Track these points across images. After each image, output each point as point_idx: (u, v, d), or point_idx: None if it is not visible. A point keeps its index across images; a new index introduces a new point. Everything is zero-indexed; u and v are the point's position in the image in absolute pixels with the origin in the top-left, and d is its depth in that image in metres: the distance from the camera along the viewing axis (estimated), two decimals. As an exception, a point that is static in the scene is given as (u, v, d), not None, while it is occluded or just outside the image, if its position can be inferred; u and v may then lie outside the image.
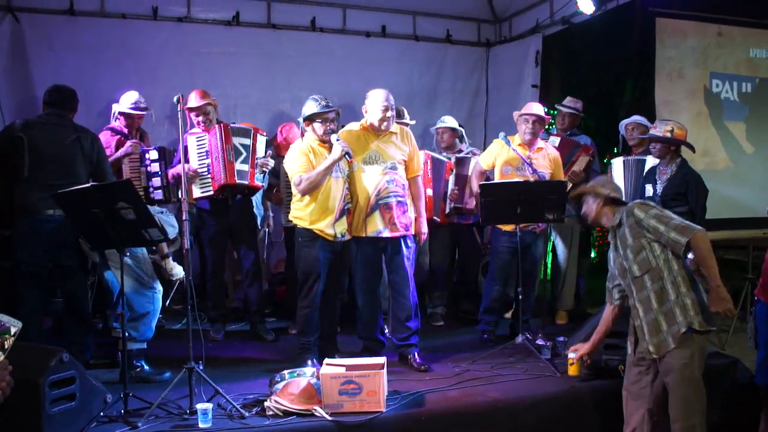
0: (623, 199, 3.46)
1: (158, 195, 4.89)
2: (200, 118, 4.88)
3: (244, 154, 4.82)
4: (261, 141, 4.96)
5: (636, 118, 5.55)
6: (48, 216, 4.00)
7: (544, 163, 4.84)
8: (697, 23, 6.35)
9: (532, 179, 4.67)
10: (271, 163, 5.00)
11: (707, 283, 3.10)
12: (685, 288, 3.13)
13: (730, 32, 6.46)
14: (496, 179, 4.81)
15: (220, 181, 4.75)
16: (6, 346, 1.90)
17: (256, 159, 4.88)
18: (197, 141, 4.85)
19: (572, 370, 3.92)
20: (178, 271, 4.25)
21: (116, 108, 5.15)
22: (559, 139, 5.38)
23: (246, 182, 4.82)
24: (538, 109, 4.86)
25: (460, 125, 5.85)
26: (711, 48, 6.39)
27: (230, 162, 4.74)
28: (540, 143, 4.91)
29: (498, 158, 4.88)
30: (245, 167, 4.82)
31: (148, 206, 4.75)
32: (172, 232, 4.22)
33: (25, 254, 4.04)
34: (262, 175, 5.02)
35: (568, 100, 5.75)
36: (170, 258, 4.21)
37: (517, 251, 4.63)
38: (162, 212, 4.32)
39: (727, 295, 3.07)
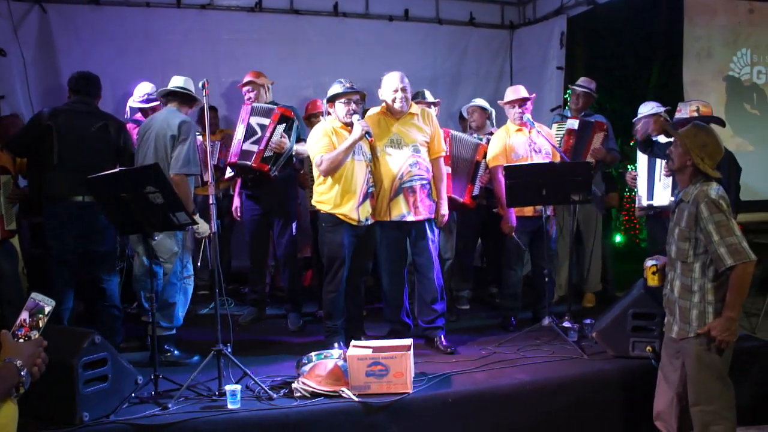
0: (715, 175, 3.08)
1: None
2: (251, 95, 4.93)
3: (258, 134, 4.68)
4: (282, 121, 4.72)
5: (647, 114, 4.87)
6: (77, 202, 4.07)
7: (543, 141, 4.85)
8: (727, 0, 6.19)
9: (540, 159, 4.74)
10: (287, 143, 4.72)
11: (724, 307, 2.99)
12: (712, 297, 3.03)
13: (763, 9, 6.28)
14: None
15: (228, 160, 4.83)
16: (41, 325, 1.94)
17: (272, 140, 4.65)
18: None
19: (652, 280, 3.45)
20: (204, 228, 4.07)
21: (131, 103, 5.19)
22: (577, 121, 5.32)
23: (248, 162, 4.63)
24: (521, 92, 4.91)
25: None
26: (742, 26, 6.21)
27: (239, 141, 4.73)
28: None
29: (507, 145, 4.86)
30: (253, 147, 4.65)
31: None
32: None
33: (55, 241, 4.12)
34: (274, 156, 4.69)
35: (582, 80, 5.65)
36: (197, 215, 4.01)
37: (530, 235, 4.79)
38: None
39: (736, 329, 2.99)
